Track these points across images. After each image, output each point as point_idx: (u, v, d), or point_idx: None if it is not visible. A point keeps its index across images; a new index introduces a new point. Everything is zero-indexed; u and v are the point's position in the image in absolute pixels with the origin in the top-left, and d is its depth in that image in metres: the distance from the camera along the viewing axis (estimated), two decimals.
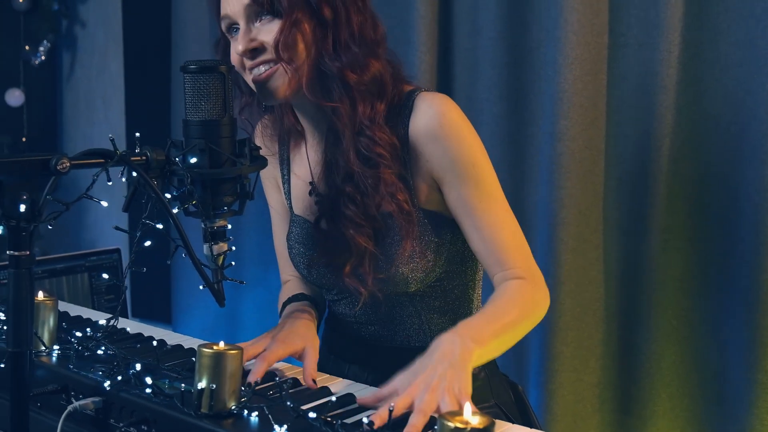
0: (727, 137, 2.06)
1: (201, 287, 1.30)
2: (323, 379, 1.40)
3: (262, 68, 1.45)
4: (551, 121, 2.20)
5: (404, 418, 1.14)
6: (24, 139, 3.58)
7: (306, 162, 1.62)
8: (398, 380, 1.27)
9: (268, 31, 1.43)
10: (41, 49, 3.60)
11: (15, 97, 3.57)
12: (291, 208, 1.68)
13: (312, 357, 1.45)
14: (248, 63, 1.45)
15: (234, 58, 1.47)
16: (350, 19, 1.45)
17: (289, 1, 1.41)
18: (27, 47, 3.58)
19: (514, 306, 1.45)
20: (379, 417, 1.13)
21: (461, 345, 1.30)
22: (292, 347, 1.47)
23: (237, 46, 1.45)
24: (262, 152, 1.69)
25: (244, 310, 3.03)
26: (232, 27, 1.48)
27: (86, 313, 1.77)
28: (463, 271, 1.60)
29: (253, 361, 1.41)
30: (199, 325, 3.10)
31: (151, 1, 3.37)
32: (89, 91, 3.69)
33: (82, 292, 2.44)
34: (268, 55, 1.43)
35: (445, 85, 2.44)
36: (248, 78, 1.48)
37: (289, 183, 1.68)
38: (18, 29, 3.56)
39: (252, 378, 1.35)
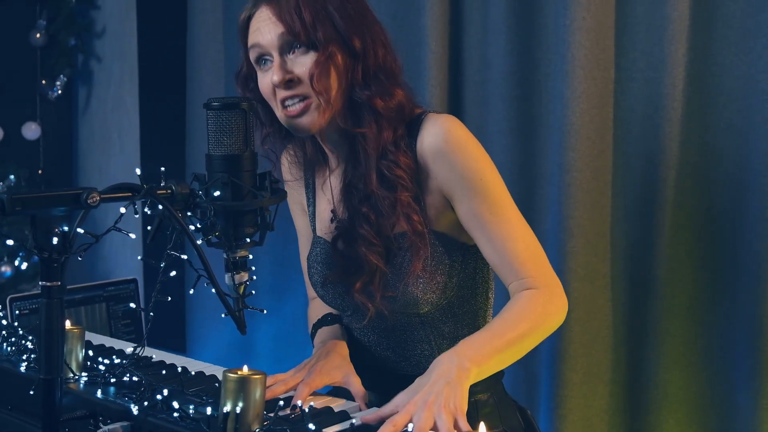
0: (731, 169, 2.11)
1: (223, 315, 1.34)
2: (341, 404, 1.44)
3: (296, 102, 1.50)
4: (559, 153, 2.25)
5: None
6: (40, 172, 3.64)
7: (329, 188, 1.68)
8: (398, 399, 1.34)
9: (302, 64, 1.49)
10: (57, 83, 3.66)
11: (31, 131, 3.64)
12: (315, 230, 1.73)
13: (357, 382, 1.53)
14: (282, 94, 1.50)
15: (266, 89, 1.53)
16: (376, 50, 1.52)
17: (325, 35, 1.47)
18: (43, 81, 3.65)
19: (523, 319, 1.47)
20: None
21: (458, 364, 1.35)
22: (330, 378, 1.53)
23: (272, 77, 1.49)
24: (287, 178, 1.77)
25: (258, 339, 3.07)
26: (263, 57, 1.52)
27: (108, 341, 1.82)
28: (474, 297, 1.64)
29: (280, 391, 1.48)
30: (213, 354, 3.14)
31: (167, 35, 3.43)
32: (105, 125, 3.75)
33: (100, 321, 2.49)
34: (304, 87, 1.49)
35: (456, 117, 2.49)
36: (278, 109, 1.53)
37: (314, 206, 1.74)
38: (35, 64, 3.63)
39: (297, 400, 1.42)
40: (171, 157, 3.31)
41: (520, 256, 1.51)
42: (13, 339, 1.62)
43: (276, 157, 1.70)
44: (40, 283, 1.20)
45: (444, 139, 1.52)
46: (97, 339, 1.84)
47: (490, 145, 2.43)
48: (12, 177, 3.38)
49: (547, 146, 2.34)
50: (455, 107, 2.52)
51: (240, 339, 3.08)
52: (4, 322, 1.66)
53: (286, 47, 1.49)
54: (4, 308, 2.51)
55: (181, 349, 3.28)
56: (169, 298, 1.37)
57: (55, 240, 1.18)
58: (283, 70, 1.49)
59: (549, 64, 2.32)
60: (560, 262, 2.26)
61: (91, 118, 3.81)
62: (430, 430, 1.24)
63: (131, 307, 2.46)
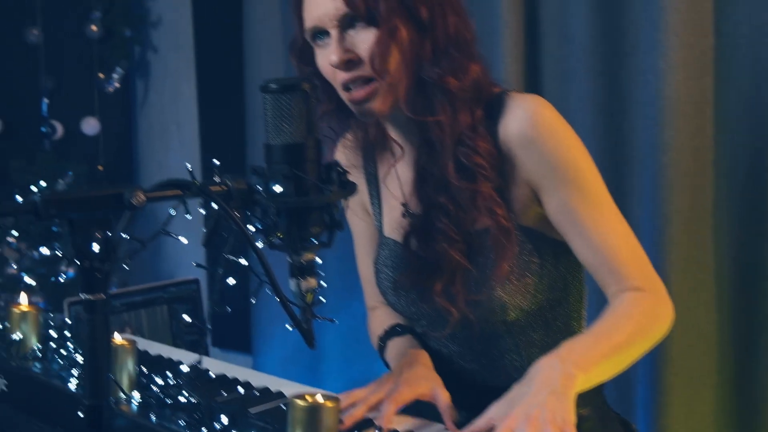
0: None
1: (289, 327, 1.19)
2: (421, 424, 1.29)
3: (358, 84, 1.33)
4: (654, 131, 2.04)
5: None
6: (100, 168, 3.55)
7: (397, 180, 1.50)
8: (494, 410, 1.17)
9: (363, 41, 1.31)
10: (115, 76, 3.59)
11: (91, 126, 3.56)
12: (381, 230, 1.56)
13: (445, 396, 1.34)
14: (343, 76, 1.33)
15: (324, 68, 1.36)
16: (447, 20, 1.33)
17: (387, 7, 1.29)
18: (101, 75, 3.57)
19: (629, 322, 1.31)
20: None
21: (563, 370, 1.19)
22: (418, 389, 1.35)
23: (330, 56, 1.32)
24: (345, 166, 1.59)
25: (326, 338, 2.93)
26: (319, 34, 1.35)
27: (166, 351, 1.68)
28: (566, 299, 1.46)
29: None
30: (279, 354, 3.02)
31: (223, 22, 3.32)
32: (163, 117, 3.67)
33: (162, 323, 2.38)
34: (365, 69, 1.31)
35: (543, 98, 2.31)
36: (339, 89, 1.36)
37: (380, 203, 1.56)
38: (92, 57, 3.55)
39: (382, 422, 1.26)
40: (230, 147, 3.20)
41: (620, 257, 1.34)
42: (63, 352, 1.49)
43: (336, 136, 1.52)
44: (81, 296, 1.06)
45: (532, 123, 1.33)
46: (154, 348, 1.71)
47: (573, 125, 2.21)
48: (71, 173, 3.29)
49: (639, 124, 2.12)
50: (533, 84, 2.32)
51: None
52: (53, 333, 1.53)
53: (346, 22, 1.31)
54: (62, 311, 2.42)
55: (246, 350, 3.16)
56: (229, 310, 1.22)
57: (96, 247, 1.03)
58: (342, 49, 1.31)
59: (638, 33, 2.10)
60: (657, 252, 2.05)
61: (149, 110, 3.73)
62: None
63: (193, 309, 2.35)
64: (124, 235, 1.06)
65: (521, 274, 1.38)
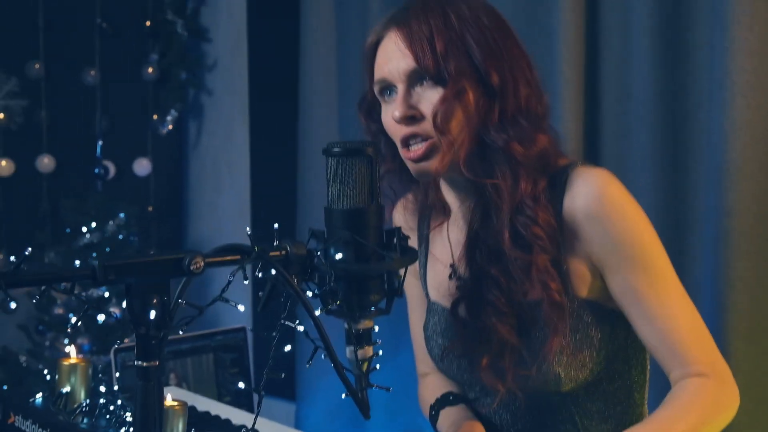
0: None
1: (343, 396, 1.16)
2: None
3: (418, 142, 1.31)
4: (717, 194, 1.99)
5: None
6: (150, 209, 3.56)
7: (446, 242, 1.46)
8: None
9: (428, 100, 1.30)
10: (169, 118, 3.61)
11: (142, 167, 3.58)
12: (427, 294, 1.52)
13: None
14: (404, 131, 1.32)
15: (388, 123, 1.35)
16: (518, 91, 1.31)
17: (457, 68, 1.28)
18: (155, 117, 3.60)
19: (691, 411, 1.28)
20: None
21: None
22: None
23: (393, 111, 1.31)
24: (402, 228, 1.56)
25: (371, 390, 2.88)
26: (387, 90, 1.35)
27: (214, 407, 1.65)
28: (628, 371, 1.42)
29: None
30: (323, 404, 2.97)
31: (278, 68, 3.34)
32: (215, 159, 3.68)
33: (207, 371, 2.35)
34: (427, 126, 1.30)
35: (592, 154, 2.26)
36: (401, 149, 1.35)
37: (426, 266, 1.52)
38: (147, 99, 3.59)
39: None
40: (281, 191, 3.19)
41: (684, 339, 1.31)
42: (111, 407, 1.46)
43: (395, 196, 1.51)
44: (135, 362, 1.04)
45: (599, 200, 1.30)
46: (202, 403, 1.68)
47: (632, 185, 2.13)
48: (122, 215, 3.30)
49: (701, 186, 2.07)
50: (592, 142, 2.28)
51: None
52: (102, 388, 1.51)
53: (414, 79, 1.31)
54: (107, 352, 2.40)
55: (290, 397, 3.12)
56: (283, 375, 1.19)
57: (152, 313, 1.01)
58: (406, 105, 1.30)
59: (702, 92, 2.06)
60: (717, 319, 1.98)
61: (201, 152, 3.75)
62: None
63: (239, 357, 2.32)
64: (181, 302, 1.04)
65: (577, 348, 1.34)
